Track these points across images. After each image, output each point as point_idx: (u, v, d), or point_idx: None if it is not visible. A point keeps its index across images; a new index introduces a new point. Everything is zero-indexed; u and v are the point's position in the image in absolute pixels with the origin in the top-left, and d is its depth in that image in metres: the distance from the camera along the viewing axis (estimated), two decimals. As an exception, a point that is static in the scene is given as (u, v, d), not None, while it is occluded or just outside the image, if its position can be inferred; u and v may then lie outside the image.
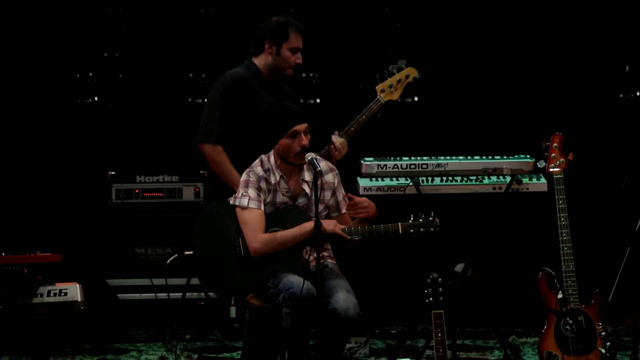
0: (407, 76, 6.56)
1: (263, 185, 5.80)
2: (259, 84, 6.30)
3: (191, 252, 5.85)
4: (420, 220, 5.69)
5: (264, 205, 5.80)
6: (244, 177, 5.83)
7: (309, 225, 5.70)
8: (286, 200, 5.82)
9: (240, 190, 5.79)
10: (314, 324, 5.62)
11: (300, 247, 5.74)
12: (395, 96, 6.52)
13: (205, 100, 6.44)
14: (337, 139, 6.35)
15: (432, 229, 5.68)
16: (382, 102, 6.51)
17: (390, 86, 6.53)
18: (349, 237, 5.69)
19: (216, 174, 6.33)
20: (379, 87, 6.52)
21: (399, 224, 5.71)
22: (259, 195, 5.78)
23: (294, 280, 5.58)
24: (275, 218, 5.78)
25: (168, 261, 7.50)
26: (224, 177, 6.25)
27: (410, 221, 5.70)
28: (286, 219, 5.76)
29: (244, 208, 5.76)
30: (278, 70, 6.38)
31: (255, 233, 5.72)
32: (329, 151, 6.34)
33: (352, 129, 6.41)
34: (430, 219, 5.68)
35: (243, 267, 5.74)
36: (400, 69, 6.58)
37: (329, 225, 5.72)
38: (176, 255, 7.31)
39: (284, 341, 5.68)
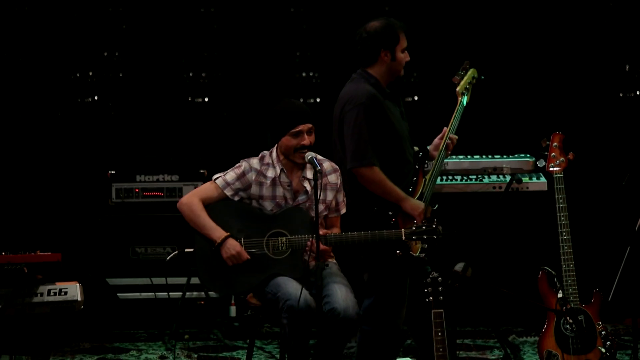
0: (473, 77, 6.40)
1: (251, 176, 5.79)
2: (382, 95, 6.10)
3: (192, 250, 5.84)
4: (423, 227, 5.68)
5: (265, 199, 5.79)
6: (237, 164, 5.84)
7: (217, 234, 5.70)
8: (288, 196, 5.80)
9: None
10: (314, 325, 5.60)
11: (302, 248, 5.71)
12: (468, 98, 6.35)
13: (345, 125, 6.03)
14: (452, 135, 6.21)
15: (434, 237, 5.67)
16: (464, 105, 6.36)
17: (466, 89, 6.40)
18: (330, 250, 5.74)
19: (377, 195, 5.98)
20: (459, 90, 6.30)
21: (402, 230, 5.69)
22: (234, 183, 5.79)
23: (292, 290, 5.54)
24: (279, 219, 5.77)
25: (168, 258, 7.49)
26: (387, 196, 5.92)
27: (413, 228, 5.69)
28: (291, 220, 5.74)
29: (210, 180, 5.84)
30: (394, 74, 6.18)
31: (195, 195, 5.80)
32: (446, 147, 6.17)
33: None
34: (433, 226, 5.66)
35: (243, 267, 5.72)
36: (466, 69, 6.39)
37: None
38: (177, 252, 7.30)
39: (283, 347, 5.69)
